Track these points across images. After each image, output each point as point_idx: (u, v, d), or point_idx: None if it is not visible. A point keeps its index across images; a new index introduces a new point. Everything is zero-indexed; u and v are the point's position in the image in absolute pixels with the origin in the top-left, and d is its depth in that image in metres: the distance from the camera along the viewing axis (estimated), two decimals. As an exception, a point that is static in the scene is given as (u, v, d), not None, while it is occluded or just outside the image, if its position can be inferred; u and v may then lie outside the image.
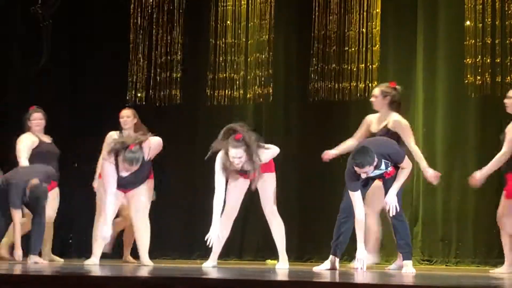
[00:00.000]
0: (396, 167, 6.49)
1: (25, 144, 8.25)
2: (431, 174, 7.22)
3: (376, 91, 7.43)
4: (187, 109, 10.10)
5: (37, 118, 8.44)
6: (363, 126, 7.46)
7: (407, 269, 6.50)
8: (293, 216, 8.91)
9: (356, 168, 6.26)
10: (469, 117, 8.90)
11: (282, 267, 6.93)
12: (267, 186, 7.08)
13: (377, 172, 6.40)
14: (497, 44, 8.84)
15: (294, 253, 8.77)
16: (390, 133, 7.16)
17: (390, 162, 6.41)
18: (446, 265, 8.70)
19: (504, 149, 7.06)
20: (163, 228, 9.13)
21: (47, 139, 8.49)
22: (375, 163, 6.24)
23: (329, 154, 7.49)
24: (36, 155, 8.22)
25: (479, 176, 7.23)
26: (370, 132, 7.37)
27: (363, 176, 6.32)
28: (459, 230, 8.78)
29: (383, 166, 6.37)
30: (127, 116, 8.36)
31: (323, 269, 6.55)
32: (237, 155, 6.75)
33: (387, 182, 6.51)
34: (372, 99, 7.45)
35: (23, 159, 8.12)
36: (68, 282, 4.66)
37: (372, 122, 7.40)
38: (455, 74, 9.00)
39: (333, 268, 6.57)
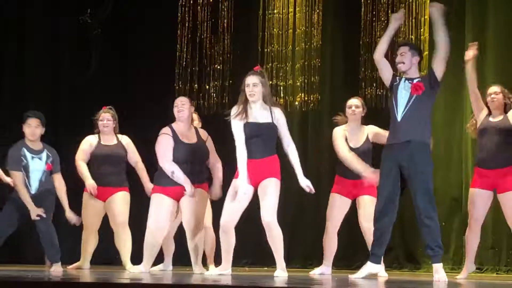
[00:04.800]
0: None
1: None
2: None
3: None
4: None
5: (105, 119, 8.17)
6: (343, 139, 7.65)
7: (440, 275, 6.26)
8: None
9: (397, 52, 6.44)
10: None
11: (280, 275, 6.59)
12: (270, 192, 6.59)
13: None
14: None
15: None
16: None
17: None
18: (497, 273, 8.62)
19: None
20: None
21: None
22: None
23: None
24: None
25: None
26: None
27: (399, 66, 6.46)
28: (510, 238, 8.69)
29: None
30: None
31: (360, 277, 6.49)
32: (252, 81, 6.62)
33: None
34: None
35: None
36: None
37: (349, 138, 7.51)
38: (505, 80, 8.90)
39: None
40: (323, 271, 7.66)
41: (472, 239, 7.21)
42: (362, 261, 9.06)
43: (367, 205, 7.34)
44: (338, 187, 7.60)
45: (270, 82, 10.05)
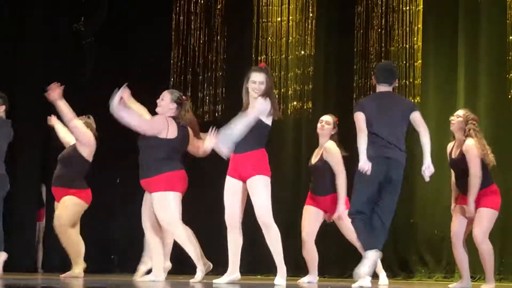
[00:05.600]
0: None
1: None
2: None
3: None
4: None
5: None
6: None
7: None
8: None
9: None
10: (512, 132, 8.86)
11: (279, 283, 6.46)
12: (258, 192, 6.39)
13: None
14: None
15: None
16: None
17: None
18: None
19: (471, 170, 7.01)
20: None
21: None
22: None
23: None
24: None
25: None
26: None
27: None
28: (501, 247, 8.72)
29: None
30: None
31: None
32: (259, 79, 6.42)
33: None
34: None
35: None
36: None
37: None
38: (497, 89, 8.96)
39: None
40: (310, 280, 7.65)
41: (458, 255, 7.23)
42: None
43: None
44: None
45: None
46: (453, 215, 7.22)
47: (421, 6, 9.40)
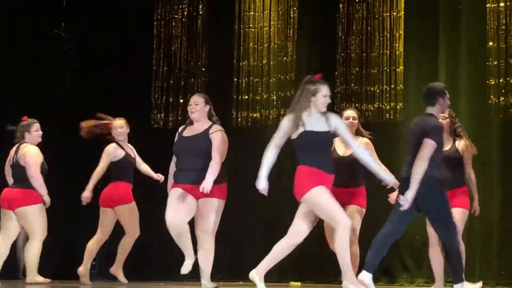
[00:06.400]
0: None
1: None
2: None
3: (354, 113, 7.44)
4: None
5: (39, 129, 8.30)
6: None
7: None
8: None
9: None
10: (493, 138, 8.90)
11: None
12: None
13: None
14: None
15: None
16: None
17: None
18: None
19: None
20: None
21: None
22: None
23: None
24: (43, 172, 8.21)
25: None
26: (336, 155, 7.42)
27: None
28: (483, 251, 8.77)
29: None
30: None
31: None
32: (328, 92, 6.33)
33: None
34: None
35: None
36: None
37: (338, 145, 7.43)
38: (478, 95, 9.03)
39: None
40: None
41: (434, 258, 7.26)
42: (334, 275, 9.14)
43: (354, 215, 7.29)
44: None
45: (246, 97, 10.10)
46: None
47: (402, 12, 9.44)
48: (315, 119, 6.28)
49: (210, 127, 6.68)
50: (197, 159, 6.52)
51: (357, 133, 7.39)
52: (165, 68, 10.53)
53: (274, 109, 10.01)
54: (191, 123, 6.80)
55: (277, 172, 9.78)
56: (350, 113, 7.44)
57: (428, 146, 6.16)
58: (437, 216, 6.37)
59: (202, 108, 6.73)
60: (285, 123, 6.32)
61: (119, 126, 8.47)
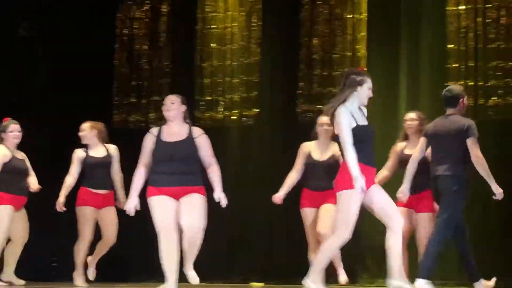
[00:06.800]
0: None
1: None
2: None
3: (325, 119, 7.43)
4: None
5: (15, 130, 8.22)
6: (301, 156, 7.54)
7: None
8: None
9: None
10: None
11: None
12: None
13: None
14: (480, 67, 8.97)
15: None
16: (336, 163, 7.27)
17: None
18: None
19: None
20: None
21: (19, 155, 8.32)
22: None
23: (278, 197, 7.58)
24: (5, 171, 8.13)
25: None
26: (311, 160, 7.44)
27: None
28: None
29: None
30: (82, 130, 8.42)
31: None
32: (372, 86, 6.15)
33: None
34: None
35: None
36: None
37: (313, 150, 7.46)
38: (438, 96, 9.09)
39: None
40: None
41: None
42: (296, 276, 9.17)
43: (329, 213, 7.34)
44: (306, 201, 7.62)
45: (209, 98, 10.10)
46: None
47: (365, 14, 9.51)
48: (357, 112, 6.11)
49: (191, 130, 6.58)
50: (180, 163, 6.39)
51: (332, 138, 7.42)
52: (127, 68, 10.49)
53: (237, 110, 10.02)
54: (165, 124, 6.67)
55: (242, 175, 9.84)
56: (325, 119, 7.40)
57: (477, 145, 6.62)
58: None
59: (178, 108, 6.61)
60: (346, 116, 6.01)
61: (79, 129, 8.41)
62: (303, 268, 9.00)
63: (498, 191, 6.66)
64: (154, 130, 6.58)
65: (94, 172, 8.25)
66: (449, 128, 6.73)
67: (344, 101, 6.03)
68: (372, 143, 6.14)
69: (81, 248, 8.23)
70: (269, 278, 9.41)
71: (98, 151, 8.32)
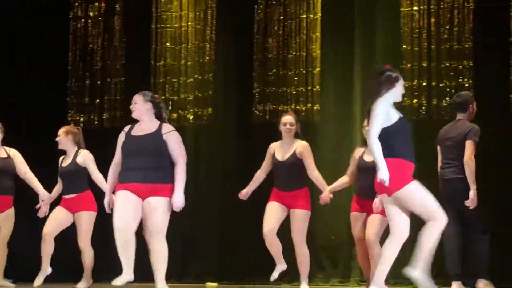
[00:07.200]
0: None
1: None
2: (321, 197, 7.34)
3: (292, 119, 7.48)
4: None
5: None
6: (268, 156, 7.56)
7: None
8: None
9: None
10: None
11: None
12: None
13: None
14: (433, 67, 9.05)
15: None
16: (298, 161, 7.30)
17: None
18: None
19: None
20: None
21: (2, 153, 8.17)
22: None
23: (243, 194, 7.57)
24: None
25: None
26: (275, 161, 7.45)
27: None
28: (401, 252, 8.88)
29: None
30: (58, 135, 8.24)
31: None
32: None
33: None
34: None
35: None
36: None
37: (277, 150, 7.47)
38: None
39: None
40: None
41: (366, 260, 7.34)
42: (250, 276, 9.19)
43: (298, 220, 7.34)
44: (273, 197, 7.52)
45: (163, 97, 10.06)
46: (354, 221, 7.31)
47: (319, 15, 9.55)
48: (393, 108, 5.97)
49: (161, 126, 6.51)
50: (146, 159, 6.31)
51: (296, 137, 7.43)
52: (81, 67, 10.40)
53: (192, 109, 9.99)
54: (137, 122, 6.61)
55: (194, 174, 9.81)
56: (288, 119, 7.42)
57: (473, 147, 6.95)
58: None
59: (142, 106, 6.53)
60: (385, 109, 5.85)
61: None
62: (257, 267, 9.11)
63: (472, 199, 6.91)
64: (126, 128, 6.56)
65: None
66: (457, 133, 7.08)
67: (383, 96, 5.92)
68: (409, 138, 5.97)
69: None
70: (223, 278, 9.40)
71: (70, 157, 8.11)
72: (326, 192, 7.29)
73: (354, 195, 7.36)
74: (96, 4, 10.46)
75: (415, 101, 9.11)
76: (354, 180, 7.40)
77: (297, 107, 9.50)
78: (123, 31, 10.35)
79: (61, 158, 8.07)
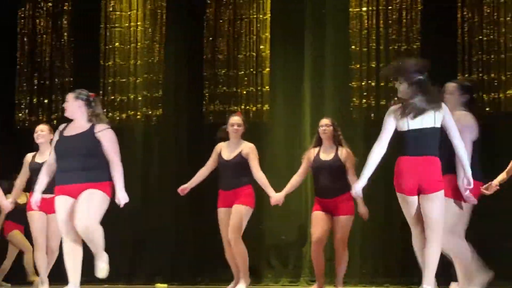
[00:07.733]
0: None
1: None
2: (274, 198, 7.37)
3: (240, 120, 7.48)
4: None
5: None
6: (213, 155, 7.57)
7: None
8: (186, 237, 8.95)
9: None
10: (356, 139, 9.09)
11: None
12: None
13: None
14: (382, 68, 9.11)
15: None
16: (244, 161, 7.34)
17: None
18: (334, 286, 8.85)
19: None
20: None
21: None
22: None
23: (182, 189, 7.59)
24: None
25: None
26: (221, 160, 7.47)
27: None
28: (361, 251, 8.94)
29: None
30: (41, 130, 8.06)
31: None
32: None
33: None
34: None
35: None
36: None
37: (224, 149, 7.49)
38: (341, 97, 9.24)
39: None
40: None
41: (321, 261, 7.38)
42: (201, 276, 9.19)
43: (236, 214, 7.34)
44: (220, 202, 7.54)
45: (112, 97, 10.00)
46: (314, 221, 7.33)
47: (269, 15, 9.57)
48: None
49: (93, 125, 6.39)
50: (79, 159, 6.20)
51: (243, 138, 7.45)
52: (29, 67, 10.29)
53: (141, 109, 9.94)
54: (71, 121, 6.50)
55: (144, 175, 9.76)
56: (236, 119, 7.45)
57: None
58: None
59: (72, 104, 6.43)
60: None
61: (38, 129, 8.08)
62: (208, 268, 9.11)
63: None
64: (61, 126, 6.42)
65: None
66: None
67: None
68: None
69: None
70: (173, 279, 9.37)
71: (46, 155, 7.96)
72: (281, 195, 7.32)
73: (315, 197, 7.38)
74: (45, 3, 10.35)
75: (363, 101, 9.18)
76: (304, 177, 7.47)
77: (247, 107, 9.52)
78: (71, 31, 10.25)
79: (29, 154, 7.93)
